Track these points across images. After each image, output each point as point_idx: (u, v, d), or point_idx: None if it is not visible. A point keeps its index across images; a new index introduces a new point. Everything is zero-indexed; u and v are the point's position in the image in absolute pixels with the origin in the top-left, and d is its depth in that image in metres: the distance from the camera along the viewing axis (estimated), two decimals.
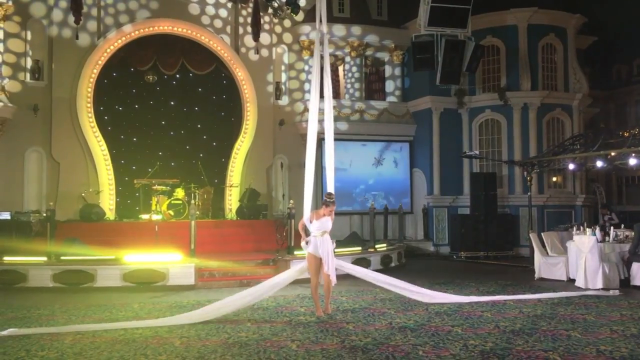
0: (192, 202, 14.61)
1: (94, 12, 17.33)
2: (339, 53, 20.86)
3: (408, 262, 16.53)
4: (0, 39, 16.53)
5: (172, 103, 19.00)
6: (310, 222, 8.81)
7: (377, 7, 21.36)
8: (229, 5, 18.85)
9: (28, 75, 16.88)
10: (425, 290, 10.02)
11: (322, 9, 9.81)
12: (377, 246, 14.91)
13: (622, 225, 13.95)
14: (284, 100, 19.77)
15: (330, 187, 9.48)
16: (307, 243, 8.81)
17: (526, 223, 17.53)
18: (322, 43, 9.90)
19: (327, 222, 8.78)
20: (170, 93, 18.96)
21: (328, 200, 8.85)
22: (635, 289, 11.30)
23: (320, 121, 9.79)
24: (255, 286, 9.40)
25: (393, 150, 20.80)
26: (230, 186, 18.25)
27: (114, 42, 17.34)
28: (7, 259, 11.81)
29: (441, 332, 7.59)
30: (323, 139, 10.36)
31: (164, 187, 16.70)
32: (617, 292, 10.81)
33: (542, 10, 19.32)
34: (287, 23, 19.68)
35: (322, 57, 9.85)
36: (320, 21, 9.83)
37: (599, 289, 11.16)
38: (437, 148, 20.08)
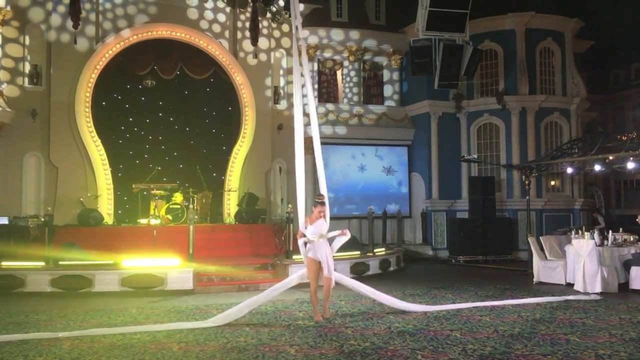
0: (191, 206, 14.61)
1: (93, 17, 17.30)
2: (337, 57, 20.85)
3: (407, 266, 16.53)
4: None
5: (170, 107, 18.96)
6: (305, 227, 8.82)
7: (375, 11, 21.38)
8: (227, 9, 18.86)
9: (26, 80, 16.84)
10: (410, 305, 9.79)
11: (297, 16, 9.90)
12: (375, 250, 14.91)
13: (621, 229, 13.97)
14: (283, 105, 19.75)
15: (322, 189, 9.51)
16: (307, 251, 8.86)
17: (525, 227, 17.54)
18: (300, 50, 9.91)
19: (322, 225, 8.78)
20: (168, 97, 18.90)
21: (317, 201, 8.91)
22: (634, 292, 11.31)
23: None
24: (259, 295, 9.26)
25: (391, 154, 20.80)
26: (229, 190, 18.21)
27: (112, 47, 17.33)
28: (5, 263, 11.79)
29: (440, 336, 7.58)
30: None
31: (162, 192, 16.67)
32: (580, 296, 10.88)
33: (540, 14, 19.34)
34: (285, 27, 19.66)
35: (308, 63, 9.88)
36: (297, 28, 9.90)
37: (594, 293, 11.18)
38: (436, 152, 20.09)
